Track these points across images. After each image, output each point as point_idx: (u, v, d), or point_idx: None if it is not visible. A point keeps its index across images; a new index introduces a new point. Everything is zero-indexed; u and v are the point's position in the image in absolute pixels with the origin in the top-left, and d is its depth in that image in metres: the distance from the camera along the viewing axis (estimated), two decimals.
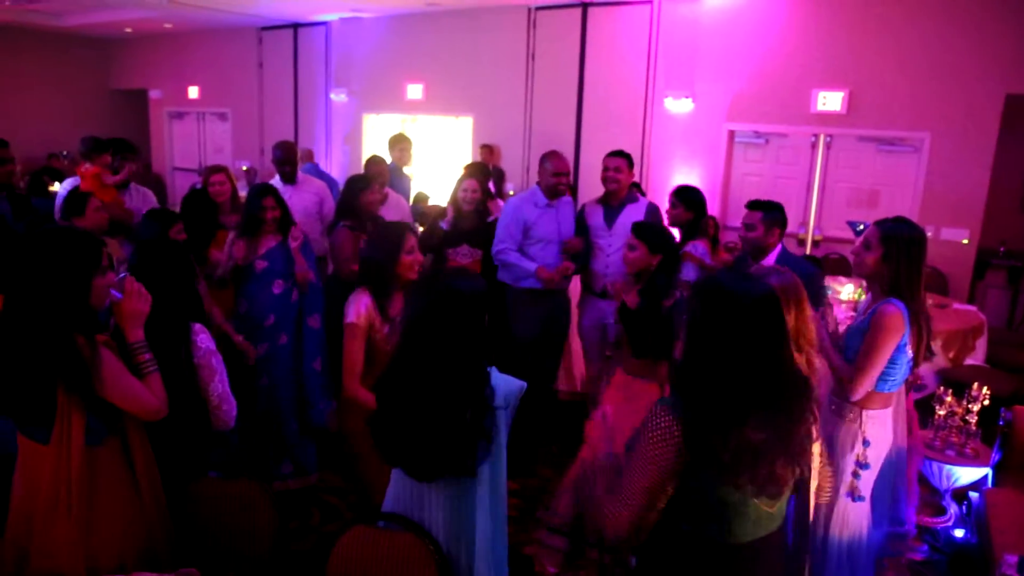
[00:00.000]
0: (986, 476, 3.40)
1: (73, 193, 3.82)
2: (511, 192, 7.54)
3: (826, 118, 6.27)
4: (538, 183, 4.07)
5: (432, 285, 1.86)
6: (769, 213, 3.37)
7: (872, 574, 2.72)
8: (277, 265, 3.48)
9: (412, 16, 8.52)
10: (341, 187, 4.29)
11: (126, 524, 1.91)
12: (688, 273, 3.81)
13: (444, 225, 4.22)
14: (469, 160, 7.77)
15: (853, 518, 2.58)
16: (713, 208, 6.10)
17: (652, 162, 7.22)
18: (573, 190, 5.51)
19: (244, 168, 9.11)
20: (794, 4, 6.34)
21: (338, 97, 9.38)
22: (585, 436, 1.93)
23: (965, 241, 5.89)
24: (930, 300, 3.70)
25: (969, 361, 4.77)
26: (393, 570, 1.88)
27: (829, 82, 6.20)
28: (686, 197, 4.07)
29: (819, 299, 2.95)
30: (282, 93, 10.08)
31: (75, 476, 1.78)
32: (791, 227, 5.49)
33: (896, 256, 2.44)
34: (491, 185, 5.16)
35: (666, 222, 4.04)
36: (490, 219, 4.21)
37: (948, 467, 3.40)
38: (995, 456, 3.37)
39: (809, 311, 2.36)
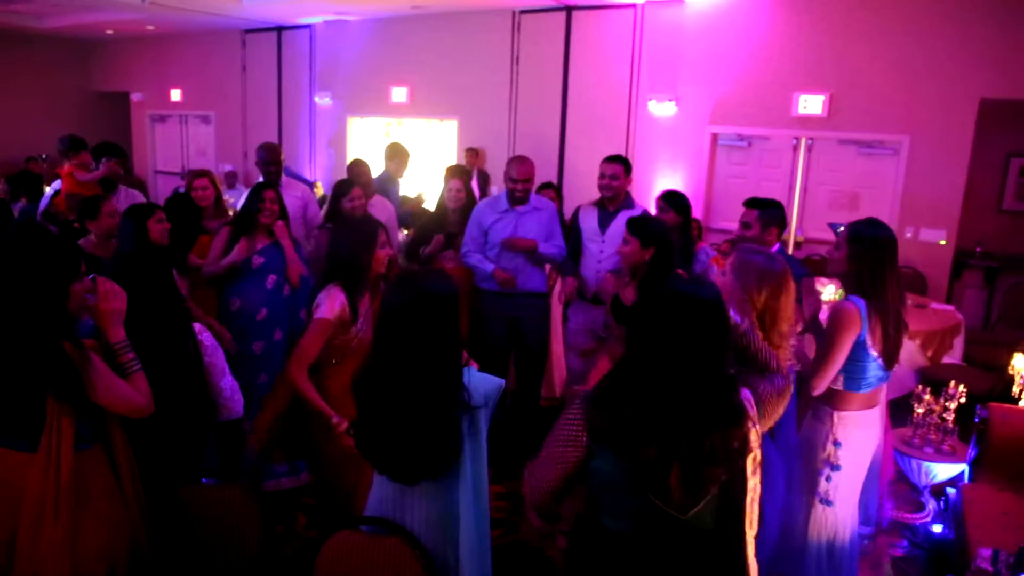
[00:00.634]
0: (963, 472, 3.46)
1: (88, 198, 3.79)
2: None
3: (807, 121, 6.36)
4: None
5: (405, 287, 1.86)
6: (765, 212, 3.36)
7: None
8: (273, 262, 3.50)
9: (397, 19, 8.52)
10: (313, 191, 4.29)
11: (112, 528, 1.89)
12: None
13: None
14: (454, 163, 7.79)
15: (830, 521, 2.58)
16: (697, 211, 6.15)
17: (636, 165, 7.21)
18: (558, 191, 5.53)
19: (225, 171, 9.05)
20: (776, 8, 6.42)
21: (322, 100, 9.35)
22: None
23: (943, 242, 5.99)
24: (909, 300, 3.75)
25: (947, 360, 4.85)
26: (379, 573, 1.87)
27: (810, 86, 6.28)
28: (675, 202, 4.06)
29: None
30: (266, 96, 10.03)
31: (65, 483, 1.77)
32: None
33: (860, 255, 2.48)
34: (475, 188, 5.18)
35: None
36: None
37: (926, 464, 3.47)
38: (971, 452, 3.43)
39: (790, 299, 2.22)
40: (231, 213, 4.51)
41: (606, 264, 3.86)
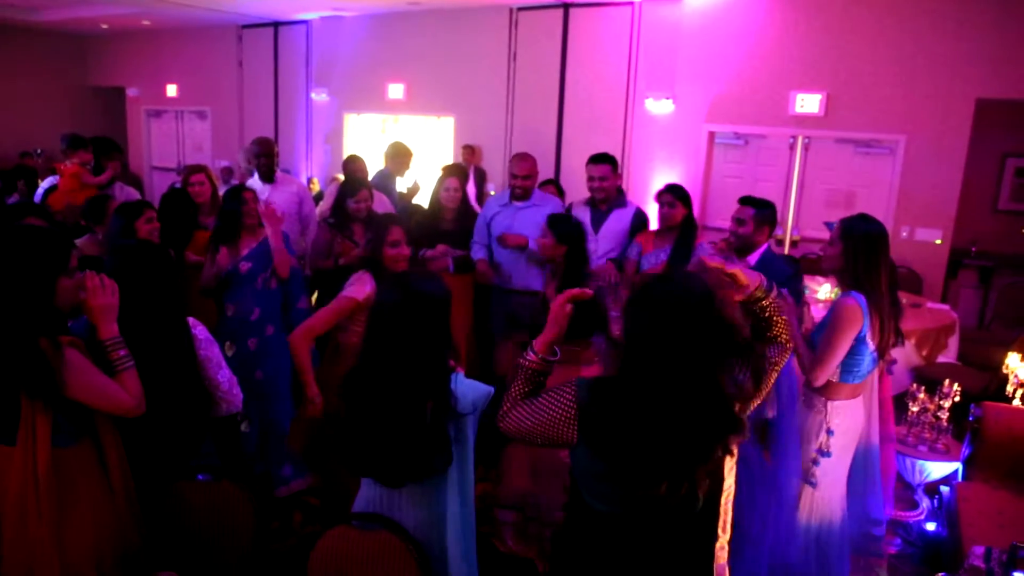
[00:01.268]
0: (957, 471, 3.48)
1: (94, 199, 3.76)
2: (492, 192, 7.55)
3: (804, 120, 6.36)
4: None
5: (397, 287, 1.85)
6: (761, 211, 3.40)
7: (847, 566, 2.77)
8: (260, 263, 3.48)
9: (394, 15, 8.50)
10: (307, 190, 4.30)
11: (100, 526, 1.88)
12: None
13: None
14: (451, 161, 7.77)
15: (820, 506, 2.63)
16: (693, 209, 6.15)
17: (633, 163, 7.27)
18: (558, 187, 5.52)
19: (221, 167, 9.02)
20: (773, 7, 6.42)
21: (319, 96, 9.33)
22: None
23: (938, 241, 6.01)
24: (905, 299, 3.76)
25: (942, 359, 4.86)
26: (373, 567, 1.88)
27: (807, 84, 6.29)
28: (681, 194, 3.91)
29: (797, 299, 3.01)
30: (262, 92, 9.99)
31: (43, 478, 1.75)
32: None
33: (854, 250, 2.51)
34: (472, 187, 5.17)
35: (658, 224, 3.93)
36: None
37: (920, 462, 3.48)
38: (965, 451, 3.45)
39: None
40: None
41: (598, 264, 3.86)
